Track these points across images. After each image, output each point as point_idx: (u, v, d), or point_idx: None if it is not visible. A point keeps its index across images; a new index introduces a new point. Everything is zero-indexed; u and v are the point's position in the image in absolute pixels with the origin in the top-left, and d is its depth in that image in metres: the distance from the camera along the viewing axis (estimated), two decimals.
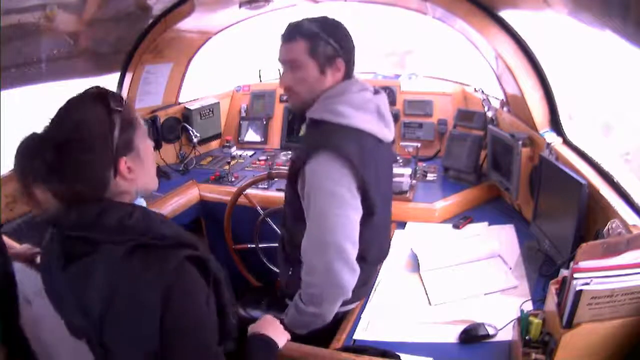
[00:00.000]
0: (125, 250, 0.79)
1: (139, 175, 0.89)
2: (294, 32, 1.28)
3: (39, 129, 0.83)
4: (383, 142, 1.34)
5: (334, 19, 1.31)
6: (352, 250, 1.22)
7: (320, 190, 1.20)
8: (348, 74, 1.33)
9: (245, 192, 2.07)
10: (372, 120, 1.30)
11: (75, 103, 0.85)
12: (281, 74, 1.34)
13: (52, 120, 0.83)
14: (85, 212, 0.82)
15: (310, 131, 1.34)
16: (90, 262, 0.80)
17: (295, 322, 1.29)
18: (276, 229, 2.06)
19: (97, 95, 0.85)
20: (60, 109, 0.85)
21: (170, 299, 0.77)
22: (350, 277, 1.22)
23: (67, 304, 0.85)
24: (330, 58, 1.28)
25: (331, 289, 1.22)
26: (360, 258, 1.25)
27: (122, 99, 0.87)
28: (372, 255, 1.37)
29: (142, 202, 0.91)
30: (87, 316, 0.80)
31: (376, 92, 1.36)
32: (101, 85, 0.88)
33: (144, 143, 0.91)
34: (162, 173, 2.43)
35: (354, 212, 1.23)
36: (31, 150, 0.80)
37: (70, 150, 0.80)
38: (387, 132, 1.35)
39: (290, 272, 1.41)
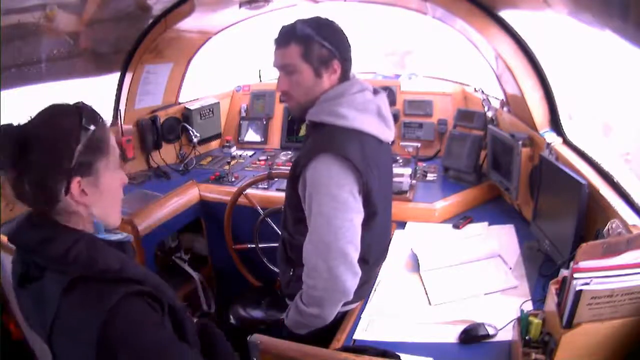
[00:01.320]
0: (67, 281, 0.79)
1: (93, 203, 0.87)
2: (287, 37, 1.27)
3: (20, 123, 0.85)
4: (383, 142, 1.34)
5: (327, 19, 1.30)
6: (355, 254, 1.22)
7: (322, 194, 1.20)
8: (345, 75, 1.32)
9: (245, 192, 2.07)
10: (373, 121, 1.30)
11: (53, 108, 0.86)
12: (278, 78, 1.33)
13: (32, 117, 0.86)
14: (33, 235, 0.84)
15: (311, 133, 1.34)
16: (40, 285, 0.83)
17: (296, 322, 1.29)
18: (276, 229, 2.06)
19: (75, 108, 0.86)
20: (41, 110, 0.86)
21: (108, 336, 0.76)
22: (352, 280, 1.22)
23: (31, 316, 0.90)
24: (325, 60, 1.27)
25: (333, 293, 1.22)
26: (362, 260, 1.25)
27: (100, 121, 0.87)
28: (373, 256, 1.38)
29: (100, 228, 0.91)
30: (44, 330, 0.83)
31: (376, 92, 1.36)
32: (87, 104, 0.88)
33: (109, 175, 0.89)
34: (162, 173, 2.43)
35: (357, 216, 1.23)
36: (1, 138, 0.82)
37: (30, 147, 0.80)
38: (388, 132, 1.34)
39: (291, 273, 1.41)
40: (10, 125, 0.82)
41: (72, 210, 0.86)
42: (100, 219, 0.90)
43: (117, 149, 0.91)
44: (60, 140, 0.82)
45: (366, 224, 1.26)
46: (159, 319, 0.84)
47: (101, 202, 0.89)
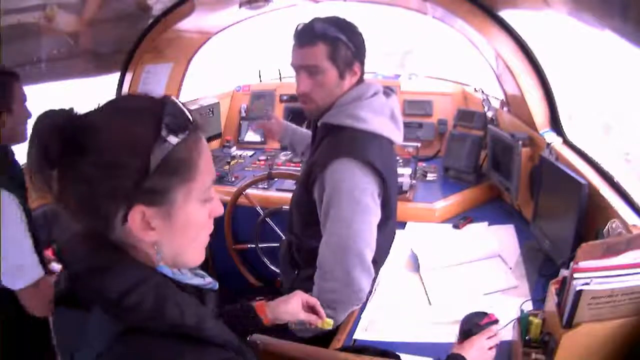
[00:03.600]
0: (119, 331, 0.58)
1: (165, 240, 0.62)
2: (312, 36, 1.23)
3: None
4: (393, 144, 1.35)
5: (347, 20, 1.28)
6: (370, 256, 1.22)
7: (344, 198, 1.19)
8: (361, 78, 1.32)
9: (245, 192, 2.07)
10: (388, 124, 1.30)
11: (129, 100, 0.66)
12: (298, 78, 1.29)
13: (94, 110, 0.62)
14: (85, 258, 0.62)
15: (326, 136, 1.31)
16: (84, 318, 0.60)
17: (304, 326, 1.28)
18: (276, 229, 2.06)
19: (157, 107, 0.60)
20: (112, 102, 0.63)
21: None
22: (367, 282, 1.23)
23: (63, 347, 0.67)
24: (349, 62, 1.25)
25: (350, 295, 1.22)
26: (373, 261, 1.25)
27: (188, 132, 0.61)
28: (381, 257, 1.38)
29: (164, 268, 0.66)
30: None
31: (387, 94, 1.35)
32: (176, 101, 0.63)
33: (192, 208, 0.63)
34: None
35: (375, 218, 1.23)
36: (50, 128, 0.58)
37: (83, 148, 0.57)
38: (399, 135, 1.34)
39: (295, 274, 1.40)
40: (62, 111, 0.60)
41: (132, 243, 0.62)
42: (173, 260, 0.66)
43: (212, 172, 0.66)
44: (125, 149, 0.57)
45: (381, 226, 1.26)
46: None
47: (174, 241, 0.64)
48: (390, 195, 1.26)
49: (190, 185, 0.62)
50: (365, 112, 1.25)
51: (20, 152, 1.49)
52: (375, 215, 1.23)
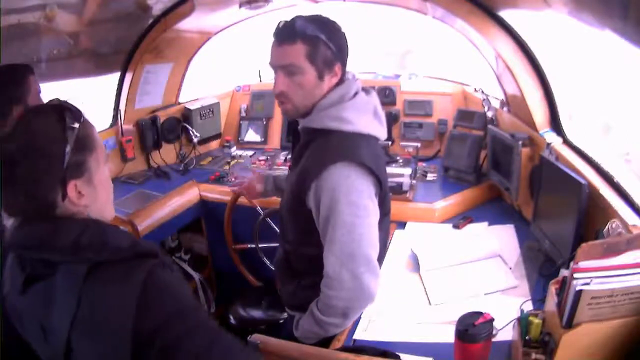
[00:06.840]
0: (86, 268, 0.76)
1: (90, 202, 0.84)
2: (291, 34, 1.20)
3: None
4: (379, 140, 1.34)
5: (329, 19, 1.25)
6: (375, 255, 1.21)
7: (342, 203, 1.17)
8: (342, 79, 1.28)
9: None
10: (372, 122, 1.29)
11: (31, 115, 0.82)
12: (276, 77, 1.26)
13: (8, 130, 0.81)
14: (35, 232, 0.79)
15: (313, 140, 1.28)
16: (50, 283, 0.79)
17: (313, 333, 1.26)
18: (276, 229, 2.05)
19: (54, 108, 0.81)
20: (18, 119, 0.81)
21: (147, 304, 0.75)
22: (375, 283, 1.21)
23: (30, 327, 0.84)
24: (329, 63, 1.22)
25: (360, 301, 1.21)
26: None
27: (82, 115, 0.83)
28: (382, 254, 1.37)
29: None
30: (50, 338, 0.79)
31: (367, 91, 1.33)
32: (63, 99, 0.84)
33: (99, 169, 0.86)
34: (162, 173, 2.43)
35: (375, 218, 1.23)
36: None
37: (16, 163, 0.76)
38: (382, 130, 1.34)
39: (297, 283, 1.39)
40: None
41: (70, 214, 0.83)
42: (97, 216, 0.88)
43: (101, 140, 0.89)
44: (47, 145, 0.78)
45: (379, 223, 1.26)
46: (186, 284, 0.85)
47: (97, 199, 0.86)
48: (385, 193, 1.26)
49: (96, 152, 0.85)
50: (349, 113, 1.22)
51: None
52: (375, 215, 1.23)
